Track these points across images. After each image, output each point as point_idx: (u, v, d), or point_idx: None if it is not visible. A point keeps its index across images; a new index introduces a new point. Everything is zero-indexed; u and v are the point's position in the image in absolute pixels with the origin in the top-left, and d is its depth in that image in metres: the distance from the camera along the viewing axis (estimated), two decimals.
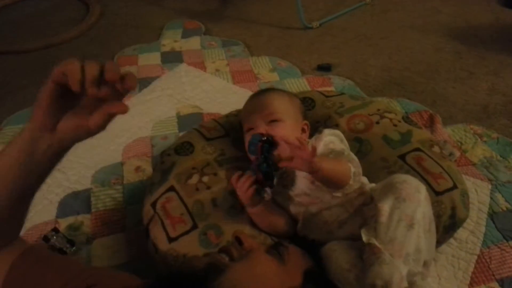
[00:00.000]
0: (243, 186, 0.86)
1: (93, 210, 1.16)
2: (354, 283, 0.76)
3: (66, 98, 0.58)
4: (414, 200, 0.78)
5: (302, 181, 0.92)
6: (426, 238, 0.77)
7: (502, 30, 2.05)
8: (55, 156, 0.62)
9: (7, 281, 0.62)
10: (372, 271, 0.72)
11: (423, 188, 0.82)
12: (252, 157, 0.91)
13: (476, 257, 1.01)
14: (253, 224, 0.93)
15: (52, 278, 0.63)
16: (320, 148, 0.93)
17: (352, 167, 0.87)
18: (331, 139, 0.96)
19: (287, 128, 0.98)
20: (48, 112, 0.59)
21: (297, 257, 0.74)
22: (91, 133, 0.60)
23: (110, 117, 0.58)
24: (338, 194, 0.87)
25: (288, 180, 0.94)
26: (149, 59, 1.87)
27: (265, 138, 0.88)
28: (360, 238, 0.79)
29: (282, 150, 0.91)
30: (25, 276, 0.63)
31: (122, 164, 1.30)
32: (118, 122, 1.54)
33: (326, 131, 0.99)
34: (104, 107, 0.58)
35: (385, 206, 0.77)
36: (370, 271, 0.72)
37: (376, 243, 0.74)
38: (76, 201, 1.18)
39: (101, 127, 0.59)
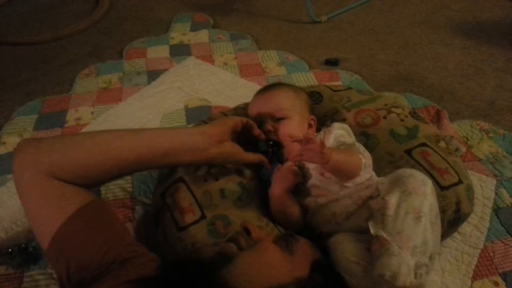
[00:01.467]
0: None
1: None
2: (362, 275, 0.77)
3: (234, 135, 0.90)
4: (421, 193, 0.79)
5: (311, 174, 0.93)
6: (432, 230, 0.78)
7: (510, 26, 2.04)
8: (192, 162, 0.85)
9: (62, 229, 0.67)
10: (380, 262, 0.73)
11: (429, 181, 0.83)
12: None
13: (479, 251, 1.02)
14: (260, 215, 0.95)
15: (100, 243, 0.68)
16: (331, 140, 0.95)
17: (363, 158, 0.89)
18: (340, 133, 0.97)
19: (294, 124, 1.00)
20: (226, 132, 0.86)
21: (305, 248, 0.75)
22: (236, 163, 0.94)
23: (258, 161, 0.95)
24: (349, 184, 0.88)
25: (300, 176, 0.96)
26: (157, 52, 1.89)
27: (271, 142, 0.96)
28: (366, 231, 0.80)
29: (289, 152, 0.94)
30: (78, 233, 0.68)
31: None
32: (128, 114, 1.57)
33: (336, 125, 1.00)
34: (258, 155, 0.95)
35: (392, 199, 0.79)
36: (378, 263, 0.74)
37: (384, 235, 0.75)
38: None
39: (248, 162, 0.93)
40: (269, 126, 1.00)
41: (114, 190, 1.20)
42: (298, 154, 0.83)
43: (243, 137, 0.94)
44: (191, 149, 0.81)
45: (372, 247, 0.77)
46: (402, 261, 0.72)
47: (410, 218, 0.76)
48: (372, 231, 0.78)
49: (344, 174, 0.88)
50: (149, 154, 0.76)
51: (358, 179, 0.89)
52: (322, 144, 0.79)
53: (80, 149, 0.73)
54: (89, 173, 0.73)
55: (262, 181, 1.02)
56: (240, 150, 0.89)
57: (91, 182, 0.76)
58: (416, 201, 0.78)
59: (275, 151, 0.96)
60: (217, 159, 0.86)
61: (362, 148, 0.94)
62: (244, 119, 0.91)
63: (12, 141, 1.39)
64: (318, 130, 1.11)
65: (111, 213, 0.77)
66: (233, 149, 0.87)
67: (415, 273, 0.72)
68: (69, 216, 0.68)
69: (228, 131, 0.87)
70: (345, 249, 0.81)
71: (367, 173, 0.90)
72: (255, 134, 0.95)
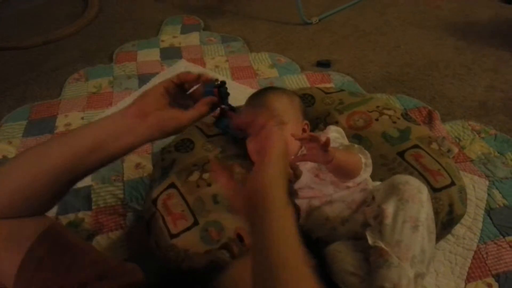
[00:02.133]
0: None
1: (93, 207, 1.16)
2: (359, 286, 0.77)
3: (168, 99, 0.76)
4: (417, 201, 0.78)
5: (305, 175, 0.93)
6: (429, 239, 0.78)
7: (501, 26, 2.05)
8: (126, 148, 0.73)
9: (20, 274, 0.62)
10: (380, 274, 0.73)
11: (424, 188, 0.82)
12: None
13: (473, 252, 1.02)
14: None
15: (65, 268, 0.64)
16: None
17: (363, 158, 0.89)
18: (335, 135, 0.98)
19: (290, 130, 0.99)
20: (151, 102, 0.74)
21: None
22: (177, 128, 0.76)
23: (202, 114, 0.78)
24: (350, 184, 0.89)
25: (291, 174, 0.96)
26: (148, 55, 1.87)
27: (219, 82, 0.84)
28: (363, 237, 0.79)
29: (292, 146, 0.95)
30: (39, 266, 0.63)
31: (122, 161, 1.30)
32: None
33: (332, 127, 1.01)
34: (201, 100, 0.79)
35: (389, 208, 0.78)
36: (378, 274, 0.73)
37: (383, 245, 0.75)
38: (77, 198, 1.18)
39: (191, 121, 0.77)
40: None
41: (105, 197, 1.19)
42: (302, 155, 0.83)
43: (184, 94, 0.82)
44: (116, 136, 0.71)
45: (371, 258, 0.76)
46: (402, 272, 0.72)
47: (408, 227, 0.75)
48: (370, 241, 0.77)
49: (345, 173, 0.87)
50: (75, 156, 0.68)
51: (358, 179, 0.89)
52: (328, 141, 0.79)
53: (7, 179, 0.66)
54: (28, 197, 0.66)
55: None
56: (177, 112, 0.75)
57: (38, 207, 0.69)
58: (413, 209, 0.77)
59: (222, 90, 0.83)
60: (154, 135, 0.74)
61: (361, 148, 0.95)
62: (175, 76, 0.78)
63: (1, 148, 1.37)
64: (311, 132, 1.11)
65: (69, 235, 0.72)
66: (166, 115, 0.74)
67: (414, 283, 0.72)
68: (26, 252, 0.63)
69: (154, 100, 0.75)
70: (344, 258, 0.80)
71: (367, 173, 0.91)
72: (194, 79, 0.80)
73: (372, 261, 0.76)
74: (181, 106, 0.78)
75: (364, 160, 0.90)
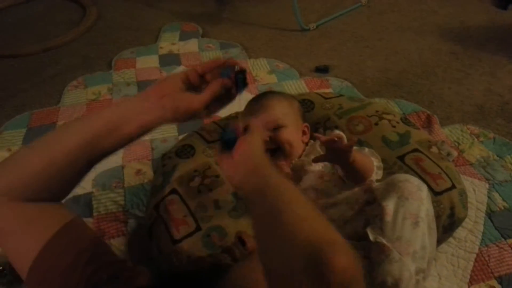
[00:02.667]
0: None
1: (94, 213, 1.16)
2: None
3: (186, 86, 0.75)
4: (417, 198, 0.79)
5: (310, 176, 0.93)
6: (429, 235, 0.79)
7: (497, 31, 2.07)
8: (142, 129, 0.72)
9: (37, 261, 0.63)
10: (382, 269, 0.73)
11: (424, 186, 0.84)
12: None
13: (475, 255, 1.02)
14: None
15: (80, 267, 0.64)
16: None
17: (375, 161, 0.90)
18: None
19: (290, 133, 1.00)
20: (169, 86, 0.74)
21: None
22: (188, 109, 0.73)
23: (212, 94, 0.74)
24: (364, 187, 0.89)
25: (295, 176, 0.96)
26: (147, 62, 1.88)
27: (237, 68, 0.79)
28: (364, 238, 0.80)
29: (290, 155, 0.98)
30: (55, 261, 0.64)
31: (122, 167, 1.30)
32: None
33: (336, 132, 1.02)
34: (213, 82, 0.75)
35: (390, 205, 0.79)
36: (379, 269, 0.74)
37: (384, 241, 0.76)
38: (78, 205, 1.18)
39: (203, 103, 0.73)
40: (265, 136, 1.00)
41: (106, 203, 1.19)
42: (322, 155, 0.83)
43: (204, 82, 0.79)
44: (132, 117, 0.72)
45: (372, 254, 0.77)
46: (404, 267, 0.72)
47: (408, 223, 0.76)
48: (371, 237, 0.78)
49: (359, 175, 0.88)
50: (92, 137, 0.69)
51: (370, 181, 0.90)
52: (352, 143, 0.80)
53: (27, 160, 0.68)
54: (48, 180, 0.68)
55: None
56: (190, 95, 0.74)
57: (58, 189, 0.71)
58: (413, 206, 0.78)
59: (240, 76, 0.79)
60: (167, 116, 0.73)
61: (372, 151, 0.96)
62: (199, 66, 0.78)
63: (1, 155, 1.36)
64: (311, 137, 1.12)
65: (88, 232, 0.73)
66: (179, 97, 0.73)
67: (415, 279, 0.72)
68: (44, 244, 0.64)
69: (172, 83, 0.75)
70: None
71: (378, 176, 0.91)
72: (217, 64, 0.78)
73: (373, 257, 0.76)
74: (197, 91, 0.77)
75: (377, 163, 0.91)
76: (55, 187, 0.69)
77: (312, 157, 1.00)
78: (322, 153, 1.01)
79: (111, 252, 0.73)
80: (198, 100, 0.74)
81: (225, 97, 0.77)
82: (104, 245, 0.76)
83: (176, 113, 0.73)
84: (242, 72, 0.77)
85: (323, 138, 0.82)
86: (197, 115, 0.75)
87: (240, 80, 0.77)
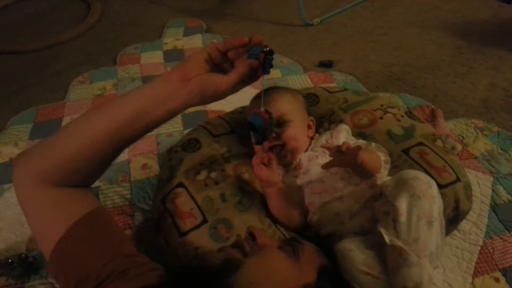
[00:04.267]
0: (259, 166, 0.92)
1: None
2: (373, 286, 0.77)
3: (210, 66, 0.75)
4: (429, 196, 0.78)
5: (317, 169, 0.94)
6: (441, 233, 0.79)
7: (501, 25, 2.07)
8: (168, 114, 0.73)
9: (60, 243, 0.65)
10: (402, 273, 0.73)
11: (434, 183, 0.82)
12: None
13: (479, 248, 1.03)
14: (262, 217, 0.95)
15: (98, 255, 0.65)
16: (341, 139, 0.99)
17: (382, 155, 0.91)
18: (346, 136, 1.01)
19: (295, 127, 1.01)
20: (193, 67, 0.73)
21: (312, 254, 0.74)
22: (215, 92, 0.73)
23: (241, 76, 0.73)
24: (369, 182, 0.90)
25: (301, 170, 0.97)
26: (151, 58, 1.89)
27: (267, 49, 0.76)
28: (370, 232, 0.80)
29: (294, 152, 1.00)
30: (76, 247, 0.66)
31: (128, 162, 1.31)
32: None
33: (343, 126, 1.04)
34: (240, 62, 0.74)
35: (402, 205, 0.78)
36: (399, 274, 0.74)
37: (401, 244, 0.75)
38: None
39: (230, 85, 0.73)
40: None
41: (113, 197, 1.20)
42: (331, 161, 0.85)
43: (228, 60, 0.78)
44: (159, 101, 0.71)
45: (389, 257, 0.77)
46: (423, 270, 0.72)
47: (423, 224, 0.76)
48: (386, 239, 0.77)
49: (367, 172, 0.88)
50: (120, 124, 0.70)
51: (379, 176, 0.91)
52: (359, 148, 0.80)
53: (56, 147, 0.69)
54: (78, 165, 0.69)
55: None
56: (217, 76, 0.73)
57: (87, 175, 0.72)
58: (426, 205, 0.77)
59: (269, 57, 0.76)
60: (193, 100, 0.73)
61: (379, 145, 0.96)
62: (221, 43, 0.75)
63: (7, 150, 1.38)
64: (316, 131, 1.13)
65: (110, 222, 0.74)
66: (205, 80, 0.72)
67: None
68: (67, 229, 0.66)
69: (196, 65, 0.73)
70: (355, 257, 0.79)
71: (386, 170, 0.92)
72: (243, 44, 0.75)
73: (391, 260, 0.76)
74: (222, 72, 0.75)
75: (384, 158, 0.92)
76: (84, 173, 0.71)
77: (318, 150, 1.02)
78: (327, 145, 1.02)
79: (128, 243, 0.73)
80: (225, 82, 0.73)
81: (249, 77, 0.76)
82: (123, 235, 0.77)
83: (203, 96, 0.73)
84: (271, 52, 0.76)
85: (330, 148, 0.84)
86: (223, 96, 0.75)
87: (268, 61, 0.76)
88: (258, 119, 0.82)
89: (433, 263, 0.74)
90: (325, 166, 0.89)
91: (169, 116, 0.74)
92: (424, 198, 0.78)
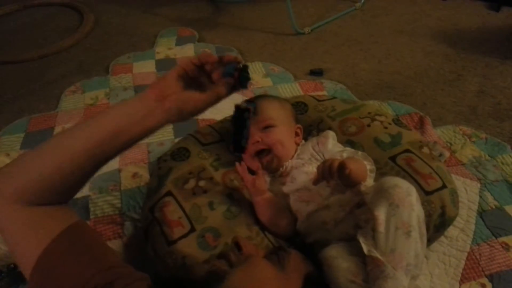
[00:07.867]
0: (246, 174, 0.95)
1: (91, 216, 1.17)
2: None
3: (185, 82, 0.76)
4: (407, 205, 0.79)
5: (303, 177, 0.95)
6: (421, 242, 0.79)
7: (489, 33, 2.10)
8: (146, 132, 0.74)
9: (39, 262, 0.63)
10: (378, 285, 0.75)
11: (413, 190, 0.82)
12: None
13: (466, 254, 1.04)
14: (250, 224, 0.95)
15: (80, 271, 0.64)
16: (329, 145, 1.01)
17: (368, 164, 0.92)
18: (334, 142, 1.02)
19: (281, 132, 1.02)
20: (169, 85, 0.74)
21: (298, 262, 0.75)
22: (194, 111, 0.75)
23: (218, 95, 0.76)
24: (354, 189, 0.90)
25: (287, 177, 0.98)
26: (143, 67, 1.89)
27: (241, 65, 0.79)
28: (354, 238, 0.81)
29: (280, 158, 1.01)
30: (56, 264, 0.64)
31: (119, 171, 1.32)
32: None
33: (330, 132, 1.04)
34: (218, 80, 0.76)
35: (381, 215, 0.78)
36: (376, 286, 0.75)
37: (378, 255, 0.76)
38: (75, 208, 1.18)
39: (207, 103, 0.76)
40: (257, 137, 1.02)
41: (102, 206, 1.20)
42: (320, 177, 0.85)
43: (206, 76, 0.79)
44: (136, 120, 0.72)
45: (368, 267, 0.78)
46: (398, 283, 0.74)
47: (401, 233, 0.76)
48: (364, 249, 0.78)
49: (353, 181, 0.88)
50: (98, 143, 0.70)
51: (364, 185, 0.91)
52: (344, 163, 0.81)
53: (33, 165, 0.68)
54: (56, 182, 0.68)
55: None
56: (194, 94, 0.74)
57: (64, 193, 0.71)
58: (405, 214, 0.78)
59: (244, 75, 0.79)
60: (171, 118, 0.74)
61: (365, 154, 0.97)
62: (195, 57, 0.76)
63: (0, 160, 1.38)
64: (304, 139, 1.14)
65: (91, 235, 0.73)
66: (182, 98, 0.73)
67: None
68: (47, 245, 0.64)
69: (171, 82, 0.74)
70: (340, 265, 0.80)
71: (371, 179, 0.93)
72: (216, 61, 0.77)
73: (369, 270, 0.77)
74: (199, 87, 0.76)
75: (369, 167, 0.93)
76: (61, 191, 0.70)
77: (305, 157, 1.03)
78: (314, 153, 1.03)
79: (112, 254, 0.73)
80: (203, 101, 0.75)
81: (228, 92, 0.79)
82: (105, 247, 0.75)
83: (181, 113, 0.74)
84: (245, 68, 0.78)
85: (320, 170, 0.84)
86: (202, 112, 0.77)
87: (243, 78, 0.78)
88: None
89: (409, 274, 0.75)
90: (315, 182, 0.88)
91: (148, 133, 0.74)
92: (402, 207, 0.78)
